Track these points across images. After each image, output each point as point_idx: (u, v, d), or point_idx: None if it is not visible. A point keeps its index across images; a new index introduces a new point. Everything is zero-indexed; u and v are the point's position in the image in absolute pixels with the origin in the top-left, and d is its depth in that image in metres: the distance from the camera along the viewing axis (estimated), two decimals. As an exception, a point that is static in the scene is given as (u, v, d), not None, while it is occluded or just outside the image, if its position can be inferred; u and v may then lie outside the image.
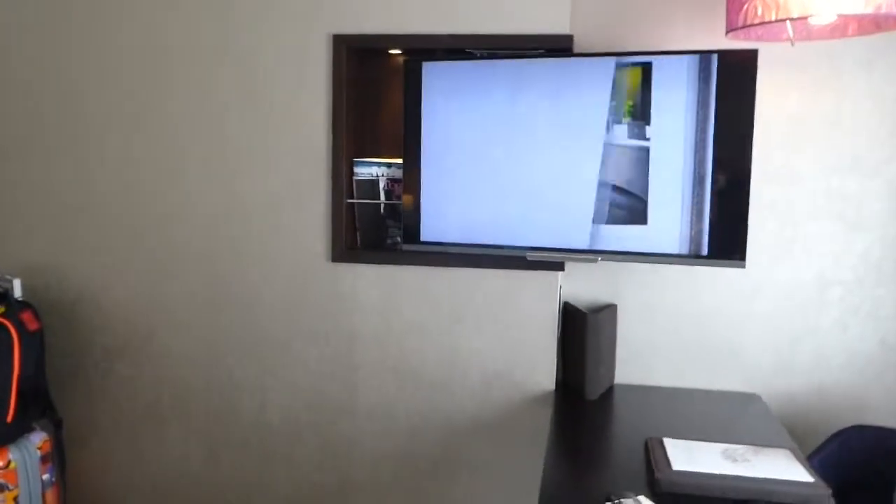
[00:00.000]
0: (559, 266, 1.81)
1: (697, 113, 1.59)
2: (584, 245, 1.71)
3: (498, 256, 1.80)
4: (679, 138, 1.61)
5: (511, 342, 1.88)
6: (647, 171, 1.63)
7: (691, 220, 1.62)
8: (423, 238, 1.82)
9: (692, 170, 1.61)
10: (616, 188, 1.66)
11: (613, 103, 1.64)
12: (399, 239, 1.94)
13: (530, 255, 1.74)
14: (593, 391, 1.83)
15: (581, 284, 1.97)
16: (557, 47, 1.75)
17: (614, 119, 1.64)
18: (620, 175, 1.65)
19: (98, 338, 2.08)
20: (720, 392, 1.91)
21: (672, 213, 1.63)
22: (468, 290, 1.88)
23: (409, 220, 1.83)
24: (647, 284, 1.93)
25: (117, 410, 2.10)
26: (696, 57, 1.58)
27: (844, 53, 1.79)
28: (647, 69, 1.61)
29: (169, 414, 2.07)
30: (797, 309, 1.87)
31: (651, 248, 1.66)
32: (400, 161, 1.85)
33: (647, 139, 1.62)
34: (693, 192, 1.61)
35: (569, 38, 1.75)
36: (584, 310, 1.85)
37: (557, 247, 1.73)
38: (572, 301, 1.96)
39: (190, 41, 1.94)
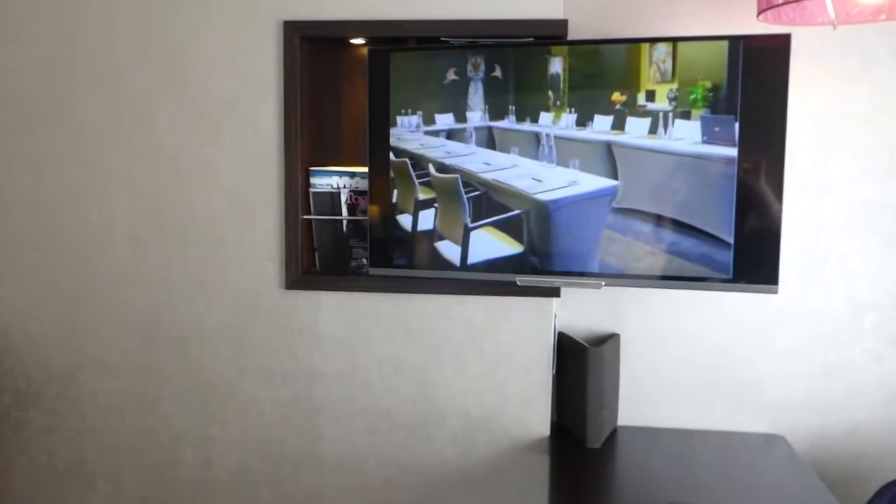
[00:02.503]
0: (554, 292, 1.54)
1: (721, 108, 1.33)
2: (580, 266, 1.44)
3: (482, 281, 1.52)
4: (696, 138, 1.35)
5: (498, 380, 1.60)
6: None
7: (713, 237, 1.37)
8: (394, 260, 1.54)
9: (712, 179, 1.35)
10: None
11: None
12: (365, 261, 1.65)
13: (521, 281, 1.46)
14: (595, 438, 1.56)
15: (577, 310, 1.70)
16: (549, 34, 1.47)
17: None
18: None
19: (8, 382, 1.75)
20: (740, 434, 1.66)
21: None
22: (448, 320, 1.60)
23: (377, 240, 1.54)
24: (653, 310, 1.68)
25: (33, 469, 1.77)
26: (725, 43, 1.32)
27: (877, 42, 1.55)
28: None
29: (95, 472, 1.75)
30: (827, 338, 1.62)
31: (664, 270, 1.40)
32: (365, 170, 1.56)
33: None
34: (714, 205, 1.36)
35: (563, 24, 1.48)
36: (582, 342, 1.59)
37: (552, 269, 1.46)
38: (568, 330, 1.69)
39: (108, 31, 1.62)
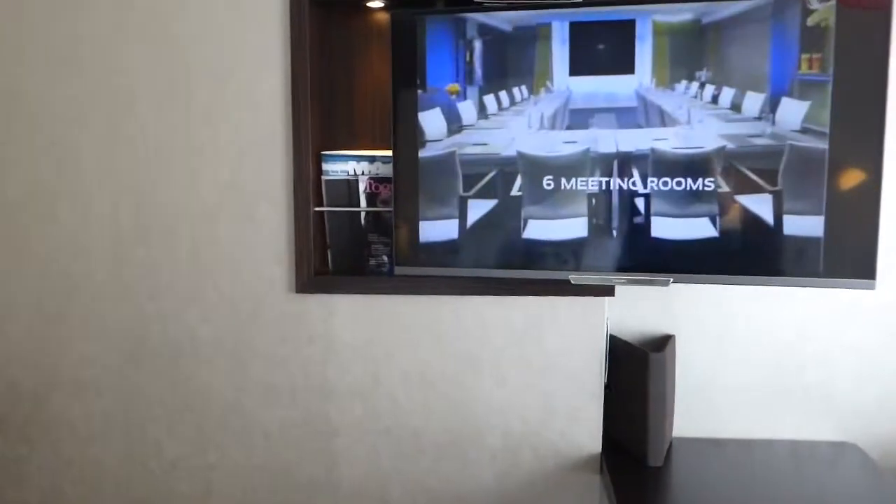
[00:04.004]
0: (608, 290, 1.35)
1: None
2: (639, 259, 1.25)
3: (524, 280, 1.32)
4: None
5: (543, 391, 1.41)
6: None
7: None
8: (421, 258, 1.33)
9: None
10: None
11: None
12: (387, 259, 1.44)
13: (575, 279, 1.27)
14: (657, 455, 1.38)
15: (626, 309, 1.52)
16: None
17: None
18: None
19: (-33, 409, 1.50)
20: (808, 442, 1.50)
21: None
22: (484, 324, 1.40)
23: (401, 234, 1.33)
24: (710, 306, 1.50)
25: (-1, 508, 1.53)
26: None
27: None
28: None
29: (74, 509, 1.52)
30: (905, 334, 1.47)
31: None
32: (387, 153, 1.35)
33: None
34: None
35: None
36: (638, 345, 1.40)
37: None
38: (618, 332, 1.51)
39: (81, -10, 1.38)
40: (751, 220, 1.18)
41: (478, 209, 1.26)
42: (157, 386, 1.48)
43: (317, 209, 1.42)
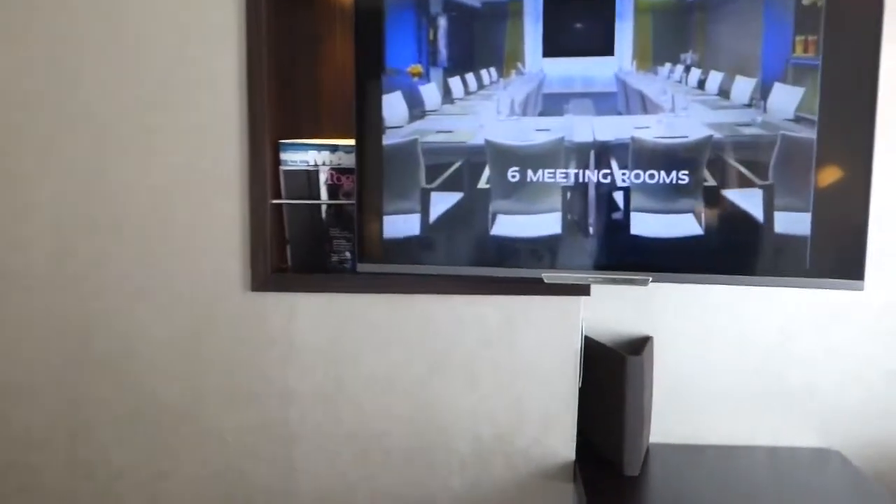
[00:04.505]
0: (584, 289, 1.28)
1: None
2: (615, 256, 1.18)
3: (495, 278, 1.24)
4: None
5: (516, 395, 1.34)
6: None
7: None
8: (386, 255, 1.24)
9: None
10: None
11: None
12: (350, 255, 1.35)
13: (548, 277, 1.19)
14: (634, 464, 1.31)
15: (602, 308, 1.45)
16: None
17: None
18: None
19: None
20: (790, 449, 1.45)
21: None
22: (453, 325, 1.32)
23: (366, 229, 1.24)
24: (690, 306, 1.44)
25: (-70, 520, 1.42)
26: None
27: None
28: None
29: (12, 521, 1.41)
30: (890, 337, 1.42)
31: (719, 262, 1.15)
32: (350, 143, 1.26)
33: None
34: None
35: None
36: (615, 347, 1.33)
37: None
38: (593, 333, 1.44)
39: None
40: (739, 216, 1.10)
41: (442, 203, 1.17)
42: (103, 389, 1.38)
43: (274, 201, 1.33)
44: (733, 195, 1.09)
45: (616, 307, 1.45)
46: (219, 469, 1.39)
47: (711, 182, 1.09)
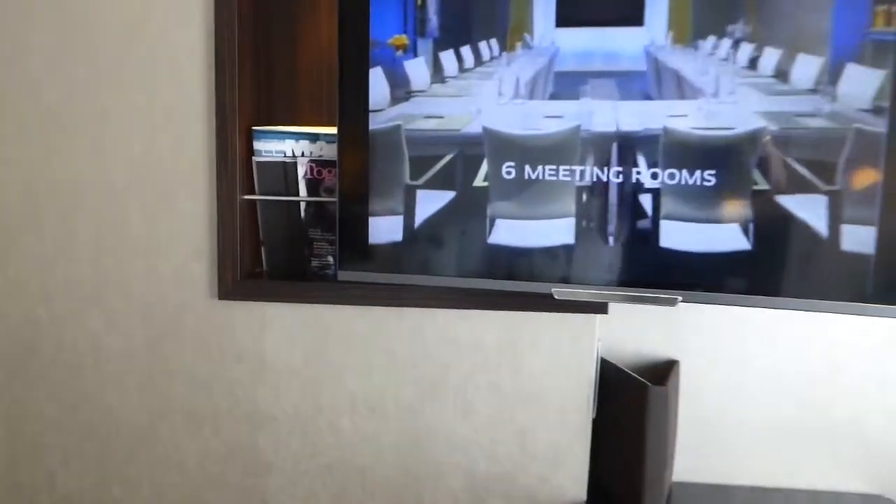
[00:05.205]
0: (600, 307, 1.10)
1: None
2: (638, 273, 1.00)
3: (498, 292, 1.06)
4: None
5: (518, 426, 1.17)
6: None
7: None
8: (372, 261, 1.07)
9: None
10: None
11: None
12: (332, 260, 1.18)
13: (559, 293, 1.01)
14: (655, 508, 1.13)
15: (620, 327, 1.28)
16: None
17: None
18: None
19: None
20: (833, 494, 1.27)
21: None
22: (448, 343, 1.16)
23: (347, 231, 1.07)
24: (722, 327, 1.27)
25: None
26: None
27: None
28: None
29: (-53, 553, 1.27)
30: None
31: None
32: (332, 130, 1.08)
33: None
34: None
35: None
36: (635, 373, 1.16)
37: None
38: (611, 356, 1.26)
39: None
40: (796, 229, 0.91)
41: (429, 203, 0.98)
42: (50, 406, 1.24)
43: (246, 197, 1.16)
44: (790, 202, 0.89)
45: (637, 326, 1.28)
46: (178, 499, 1.24)
47: (763, 185, 0.90)
